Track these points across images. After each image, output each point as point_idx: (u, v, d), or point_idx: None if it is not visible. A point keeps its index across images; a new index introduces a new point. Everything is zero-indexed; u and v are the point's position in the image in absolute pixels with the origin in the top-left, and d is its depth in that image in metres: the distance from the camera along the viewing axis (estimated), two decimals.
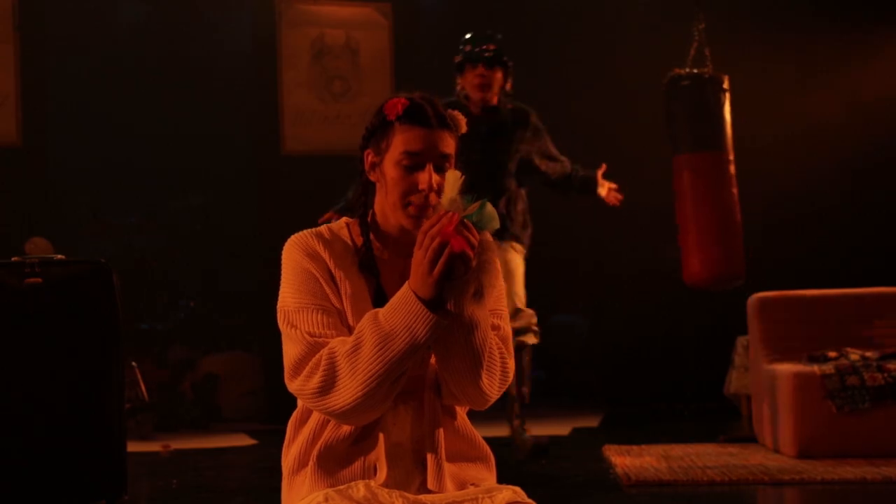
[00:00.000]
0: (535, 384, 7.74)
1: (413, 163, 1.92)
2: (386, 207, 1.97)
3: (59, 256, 3.44)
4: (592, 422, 6.52)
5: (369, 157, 1.98)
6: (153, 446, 5.71)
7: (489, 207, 1.82)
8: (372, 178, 1.99)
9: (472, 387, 1.91)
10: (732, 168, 5.30)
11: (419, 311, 1.79)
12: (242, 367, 7.13)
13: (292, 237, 1.98)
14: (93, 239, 7.18)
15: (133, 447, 3.85)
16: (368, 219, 2.01)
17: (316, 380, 1.84)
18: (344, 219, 2.05)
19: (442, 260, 1.77)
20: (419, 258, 1.79)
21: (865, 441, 4.62)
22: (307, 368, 1.86)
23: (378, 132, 1.96)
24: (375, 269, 1.96)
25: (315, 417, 1.94)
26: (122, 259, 6.43)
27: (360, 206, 2.01)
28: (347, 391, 1.82)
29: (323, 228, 2.01)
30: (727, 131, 5.30)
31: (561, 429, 6.15)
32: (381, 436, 1.91)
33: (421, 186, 1.91)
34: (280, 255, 1.98)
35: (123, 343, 3.42)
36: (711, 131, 5.29)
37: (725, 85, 5.32)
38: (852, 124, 7.29)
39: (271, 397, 6.82)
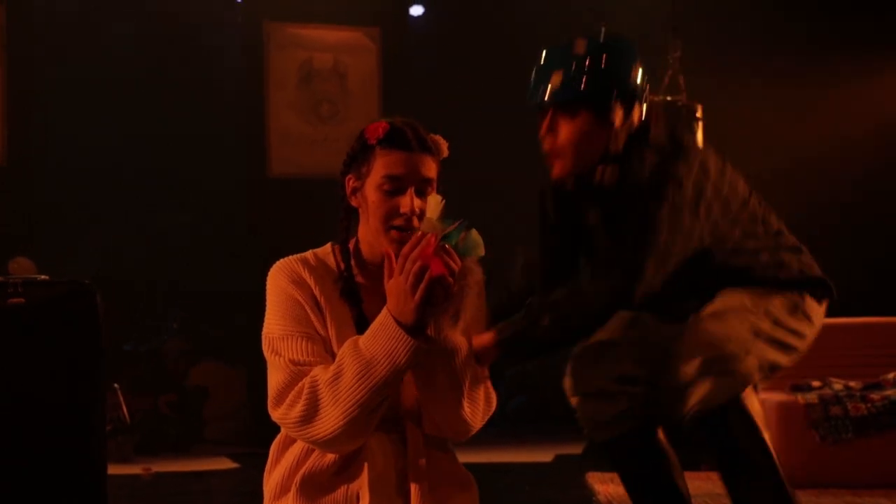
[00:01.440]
0: (518, 409, 7.77)
1: (394, 187, 1.90)
2: (368, 233, 1.95)
3: (43, 277, 3.42)
4: (576, 448, 6.50)
5: (350, 183, 1.97)
6: (133, 469, 5.66)
7: (474, 234, 1.80)
8: (353, 203, 1.97)
9: (454, 415, 1.90)
10: None
11: (399, 337, 1.78)
12: (225, 391, 7.09)
13: (278, 263, 1.96)
14: (76, 258, 7.14)
15: (113, 469, 3.81)
16: (350, 246, 2.00)
17: (298, 409, 1.83)
18: (329, 244, 2.03)
19: (423, 284, 1.75)
20: (400, 283, 1.78)
21: (848, 471, 4.61)
22: (290, 397, 1.84)
23: (359, 157, 1.95)
24: (357, 297, 1.95)
25: (299, 443, 1.93)
26: (107, 278, 6.40)
27: (342, 233, 2.00)
28: (330, 420, 1.80)
29: (308, 254, 2.00)
30: None
31: (544, 455, 6.13)
32: (364, 464, 1.89)
33: (402, 210, 1.89)
34: (265, 277, 1.96)
35: (105, 364, 3.41)
36: None
37: (699, 114, 5.32)
38: (840, 157, 7.32)
39: (254, 420, 6.78)
